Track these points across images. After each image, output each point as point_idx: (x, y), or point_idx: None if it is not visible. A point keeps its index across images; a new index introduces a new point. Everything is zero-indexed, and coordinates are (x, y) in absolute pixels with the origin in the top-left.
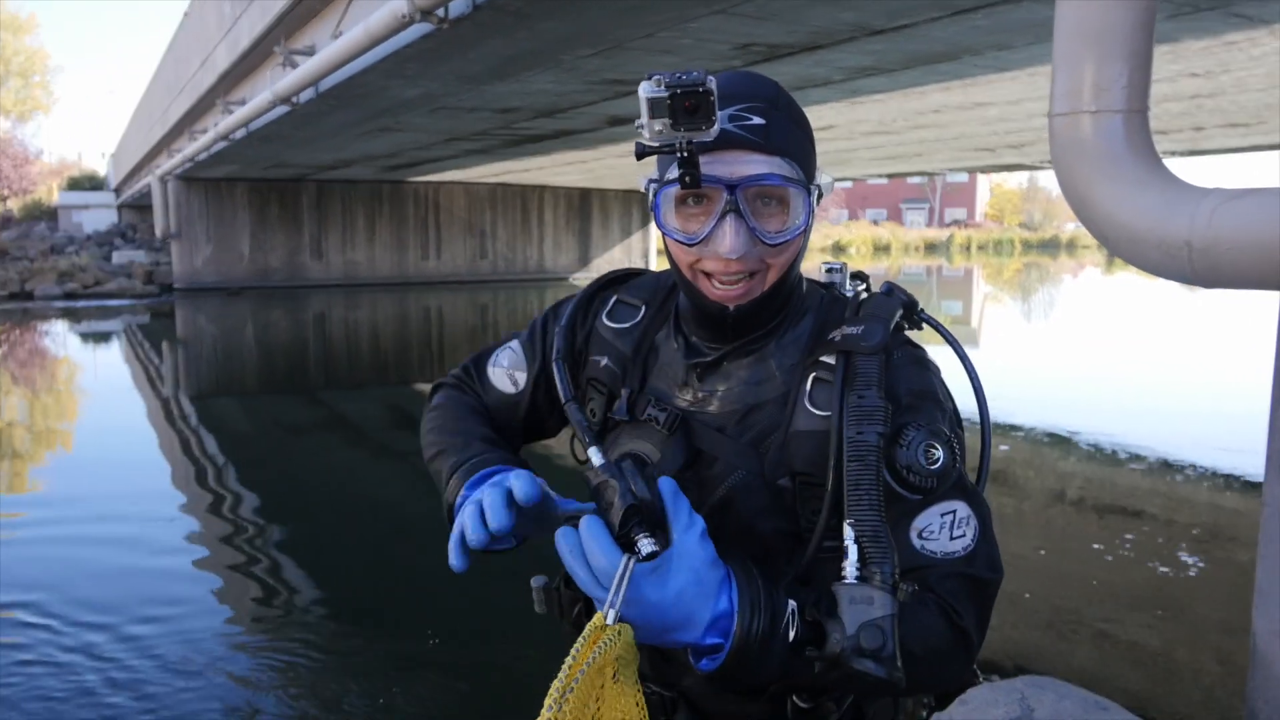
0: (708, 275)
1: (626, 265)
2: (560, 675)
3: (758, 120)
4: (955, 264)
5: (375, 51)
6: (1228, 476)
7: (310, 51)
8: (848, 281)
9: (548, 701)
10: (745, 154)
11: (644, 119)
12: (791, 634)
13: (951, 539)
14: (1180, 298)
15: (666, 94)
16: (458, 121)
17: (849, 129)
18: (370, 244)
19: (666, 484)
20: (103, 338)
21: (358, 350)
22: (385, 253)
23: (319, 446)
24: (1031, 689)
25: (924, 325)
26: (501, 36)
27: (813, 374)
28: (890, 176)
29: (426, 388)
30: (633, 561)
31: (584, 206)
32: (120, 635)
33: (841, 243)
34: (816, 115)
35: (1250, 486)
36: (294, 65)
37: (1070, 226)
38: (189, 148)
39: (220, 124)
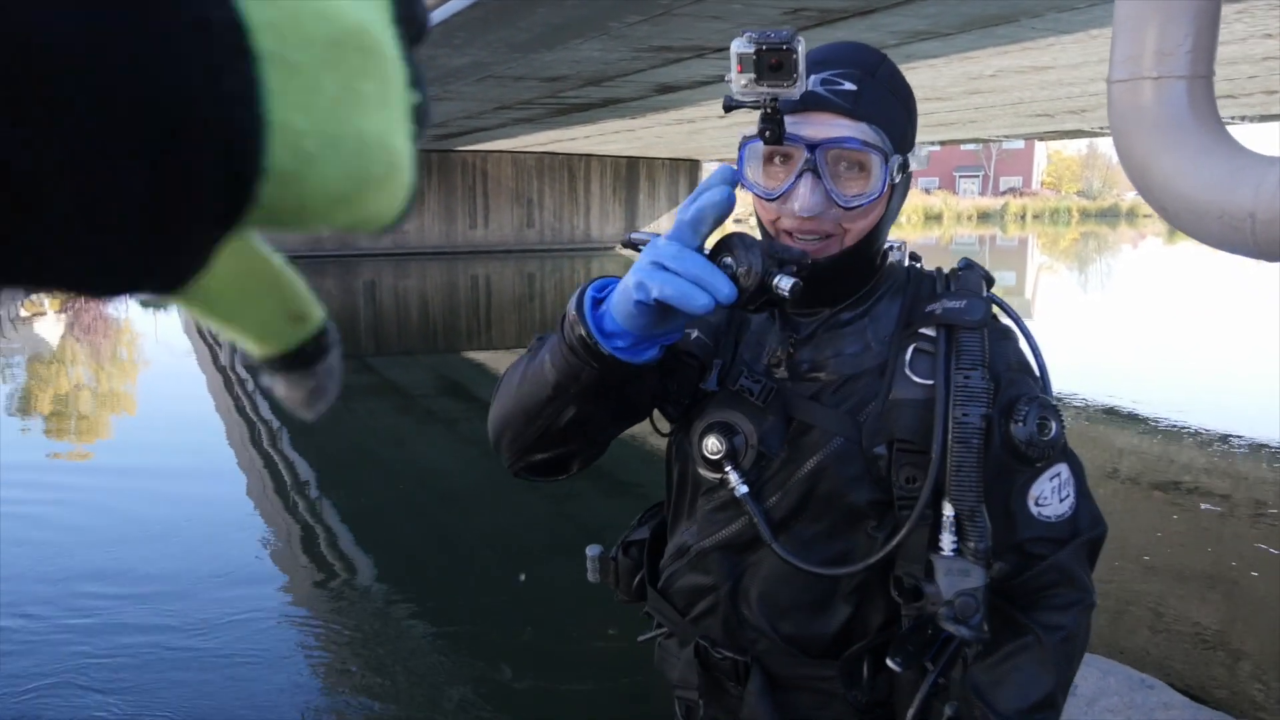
0: (788, 234)
1: None
2: None
3: (849, 86)
4: (1009, 233)
5: None
6: None
7: None
8: (906, 259)
9: None
10: (833, 117)
11: (732, 73)
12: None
13: (1060, 501)
14: (1244, 269)
15: (753, 50)
16: (505, 90)
17: None
18: (419, 213)
19: None
20: (162, 306)
21: (407, 318)
22: (433, 222)
23: (368, 412)
24: None
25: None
26: (550, 4)
27: (912, 345)
28: (944, 144)
29: (475, 355)
30: None
31: (631, 176)
32: (166, 594)
33: None
34: None
35: None
36: None
37: (1130, 195)
38: None
39: None
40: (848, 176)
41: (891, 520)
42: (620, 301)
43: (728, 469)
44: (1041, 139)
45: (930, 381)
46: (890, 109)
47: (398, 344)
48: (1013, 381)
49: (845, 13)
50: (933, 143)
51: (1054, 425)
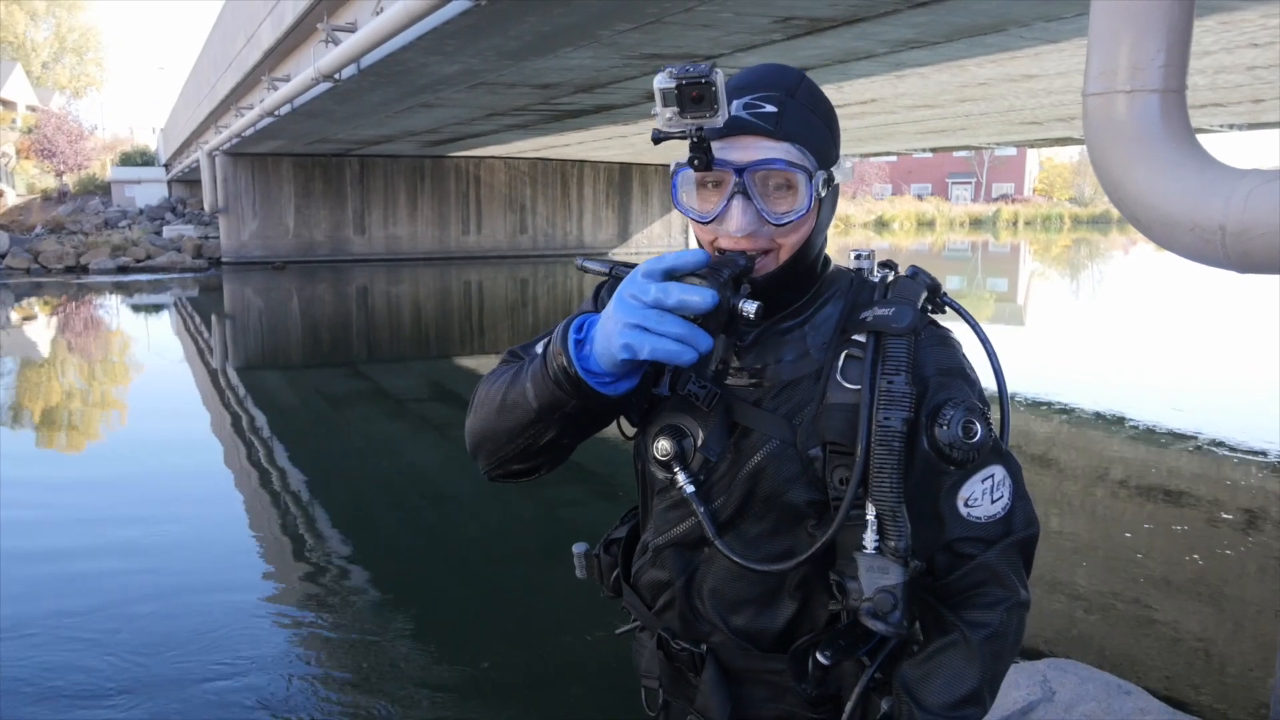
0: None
1: (666, 240)
2: None
3: (770, 108)
4: (1001, 240)
5: (415, 28)
6: (1276, 460)
7: (352, 28)
8: (875, 269)
9: None
10: (757, 140)
11: (658, 107)
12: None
13: (992, 502)
14: (1232, 278)
15: (674, 84)
16: (498, 97)
17: (892, 103)
18: (412, 219)
19: None
20: (154, 310)
21: (399, 324)
22: (427, 227)
23: (360, 418)
24: (1054, 671)
25: (946, 309)
26: (539, 12)
27: (845, 351)
28: (935, 151)
29: (467, 361)
30: None
31: (624, 181)
32: (157, 603)
33: (885, 218)
34: (859, 89)
35: None
36: (336, 42)
37: None
38: (236, 124)
39: (265, 100)
40: (776, 195)
41: (830, 520)
42: (604, 353)
43: (676, 470)
44: (1032, 146)
45: (859, 387)
46: (812, 127)
47: (390, 350)
48: (943, 386)
49: (834, 21)
50: (923, 150)
51: (979, 428)
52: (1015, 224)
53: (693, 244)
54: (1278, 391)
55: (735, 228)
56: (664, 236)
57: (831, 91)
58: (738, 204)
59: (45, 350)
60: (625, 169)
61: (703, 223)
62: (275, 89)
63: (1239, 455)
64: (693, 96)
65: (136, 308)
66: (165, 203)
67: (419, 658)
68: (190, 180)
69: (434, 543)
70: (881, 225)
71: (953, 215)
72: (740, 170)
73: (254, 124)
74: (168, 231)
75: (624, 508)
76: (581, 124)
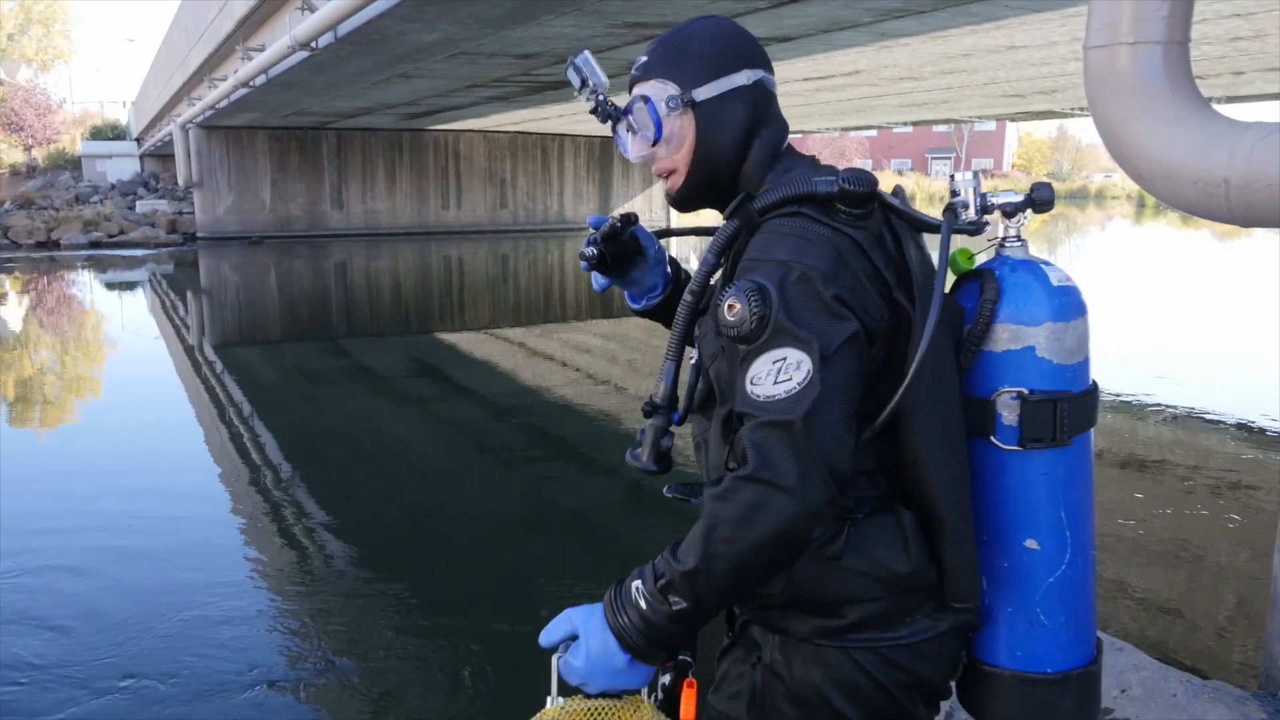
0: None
1: (648, 214)
2: None
3: (642, 59)
4: None
5: None
6: (1249, 427)
7: None
8: (969, 191)
9: None
10: (637, 86)
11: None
12: (643, 604)
13: (775, 383)
14: (1210, 249)
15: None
16: (477, 68)
17: (875, 74)
18: (391, 193)
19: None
20: (128, 286)
21: (379, 299)
22: (406, 202)
23: (341, 394)
24: None
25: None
26: None
27: None
28: (916, 124)
29: (448, 337)
30: (555, 658)
31: (605, 156)
32: (142, 579)
33: None
34: (843, 60)
35: (1273, 439)
36: (312, 9)
37: (1099, 177)
38: (209, 95)
39: (240, 70)
40: (646, 125)
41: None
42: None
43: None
44: (1013, 120)
45: None
46: (669, 57)
47: (371, 325)
48: (746, 270)
49: None
50: (905, 123)
51: (740, 308)
52: None
53: (674, 218)
54: (1246, 360)
55: (628, 154)
56: (645, 210)
57: (818, 62)
58: (629, 137)
59: (16, 326)
60: (606, 143)
61: (625, 154)
62: (250, 59)
63: (1213, 423)
64: (578, 85)
65: (110, 284)
66: (138, 177)
67: (404, 634)
68: (163, 155)
69: (419, 518)
70: None
71: (932, 190)
72: (625, 112)
73: (228, 95)
74: (141, 206)
75: (608, 482)
76: (562, 96)
